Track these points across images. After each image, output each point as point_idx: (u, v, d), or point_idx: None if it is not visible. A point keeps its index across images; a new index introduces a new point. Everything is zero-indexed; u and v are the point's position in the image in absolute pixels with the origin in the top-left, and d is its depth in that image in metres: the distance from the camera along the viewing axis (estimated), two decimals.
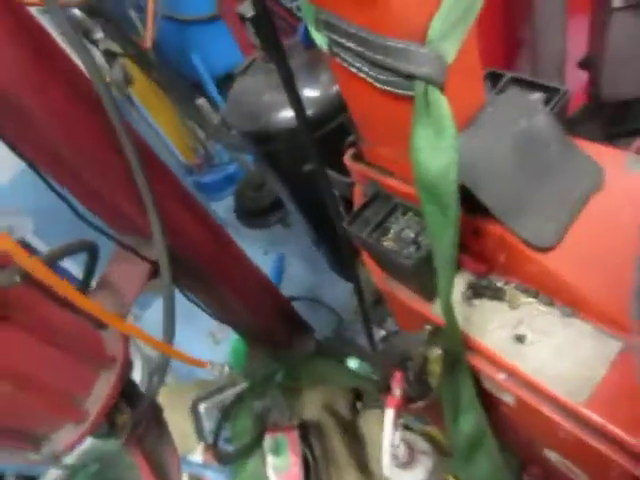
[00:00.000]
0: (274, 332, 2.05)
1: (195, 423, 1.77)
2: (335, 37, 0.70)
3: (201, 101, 2.74)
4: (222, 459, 1.67)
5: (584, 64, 1.50)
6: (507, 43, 1.51)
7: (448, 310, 0.79)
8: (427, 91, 0.65)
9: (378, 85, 0.71)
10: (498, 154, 0.80)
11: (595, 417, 0.73)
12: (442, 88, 0.65)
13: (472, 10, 0.68)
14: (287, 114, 1.47)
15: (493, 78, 1.02)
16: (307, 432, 1.81)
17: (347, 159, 1.06)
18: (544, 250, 0.79)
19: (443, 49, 0.65)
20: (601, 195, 0.84)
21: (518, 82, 0.99)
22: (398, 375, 0.89)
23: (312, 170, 1.24)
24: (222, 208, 3.49)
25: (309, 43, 1.55)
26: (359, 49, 0.68)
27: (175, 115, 3.31)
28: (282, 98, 1.16)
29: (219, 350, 2.77)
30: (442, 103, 0.65)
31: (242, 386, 1.81)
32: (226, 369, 1.50)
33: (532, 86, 0.97)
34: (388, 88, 0.70)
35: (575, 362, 0.78)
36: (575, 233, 0.80)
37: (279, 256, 3.01)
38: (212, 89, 3.01)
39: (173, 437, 1.31)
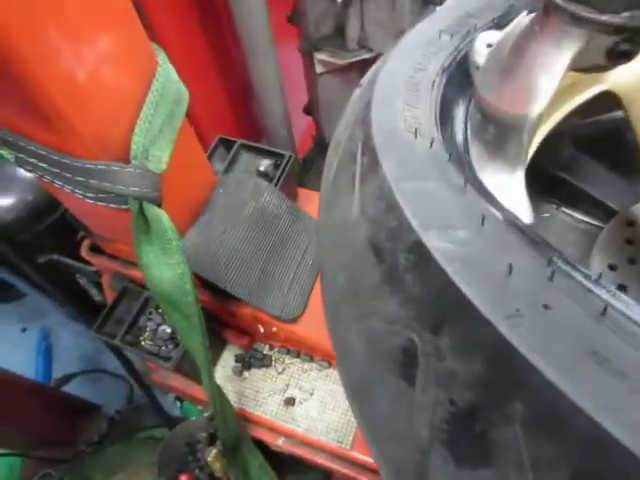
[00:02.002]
0: (49, 435, 1.74)
1: None
2: (22, 156, 0.62)
3: None
4: None
5: (307, 111, 1.68)
6: (235, 105, 1.54)
7: (214, 399, 0.79)
8: (143, 208, 0.63)
9: (89, 201, 0.65)
10: (233, 241, 0.83)
11: (360, 457, 0.83)
12: (159, 202, 0.63)
13: (178, 110, 0.67)
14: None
15: (226, 144, 1.05)
16: None
17: (84, 252, 0.96)
18: (292, 321, 0.85)
19: (152, 160, 0.63)
20: None
21: (248, 148, 1.04)
22: (183, 478, 0.85)
23: (50, 261, 1.08)
24: None
25: None
26: (55, 170, 0.61)
27: None
28: None
29: None
30: (162, 218, 0.63)
31: None
32: None
33: (261, 152, 1.03)
34: (100, 204, 0.65)
35: (337, 411, 0.87)
36: (316, 296, 0.89)
37: (42, 331, 2.57)
38: None
39: None
